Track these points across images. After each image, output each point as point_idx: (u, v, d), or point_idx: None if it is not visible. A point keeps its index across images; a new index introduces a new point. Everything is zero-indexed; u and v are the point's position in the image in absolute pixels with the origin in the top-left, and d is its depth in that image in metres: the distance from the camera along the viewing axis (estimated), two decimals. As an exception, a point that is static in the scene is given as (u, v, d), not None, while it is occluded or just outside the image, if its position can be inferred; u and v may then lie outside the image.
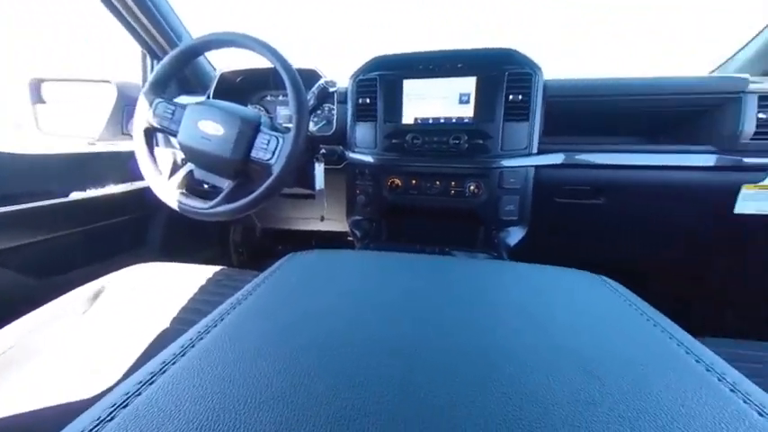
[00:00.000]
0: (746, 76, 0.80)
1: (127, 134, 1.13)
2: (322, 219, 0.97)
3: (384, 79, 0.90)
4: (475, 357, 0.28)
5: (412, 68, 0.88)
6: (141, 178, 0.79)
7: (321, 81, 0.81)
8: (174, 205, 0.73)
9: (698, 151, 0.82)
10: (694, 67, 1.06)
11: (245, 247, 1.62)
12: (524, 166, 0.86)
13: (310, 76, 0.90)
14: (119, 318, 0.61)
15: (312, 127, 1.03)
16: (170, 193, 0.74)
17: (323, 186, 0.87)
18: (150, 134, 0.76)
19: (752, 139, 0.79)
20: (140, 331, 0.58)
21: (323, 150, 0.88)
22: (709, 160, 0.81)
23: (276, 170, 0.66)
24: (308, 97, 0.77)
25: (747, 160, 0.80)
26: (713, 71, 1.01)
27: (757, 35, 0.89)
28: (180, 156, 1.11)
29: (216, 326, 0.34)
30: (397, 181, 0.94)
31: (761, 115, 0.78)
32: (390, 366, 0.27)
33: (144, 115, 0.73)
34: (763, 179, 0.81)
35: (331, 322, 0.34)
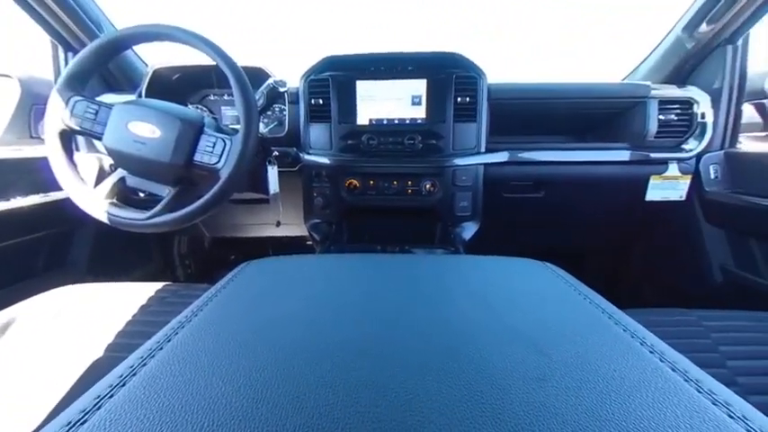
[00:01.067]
0: (649, 83, 0.94)
1: (37, 137, 0.97)
2: (278, 224, 0.92)
3: (336, 80, 0.89)
4: (438, 350, 0.30)
5: (364, 70, 0.89)
6: (58, 188, 0.68)
7: (270, 80, 0.78)
8: (102, 217, 0.64)
9: (615, 148, 0.95)
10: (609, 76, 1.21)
11: (193, 259, 1.49)
12: (474, 165, 0.92)
13: (258, 75, 0.85)
14: (36, 352, 0.52)
15: (263, 128, 0.98)
16: (97, 203, 0.64)
17: (278, 190, 0.84)
18: (67, 137, 0.66)
19: (655, 137, 0.93)
20: (66, 365, 0.50)
21: (276, 153, 0.84)
22: (624, 156, 0.94)
23: (225, 174, 0.61)
24: (257, 97, 0.73)
25: (653, 155, 0.94)
26: (624, 78, 1.16)
27: (654, 49, 1.05)
28: (108, 161, 0.98)
29: (162, 348, 0.30)
30: (355, 182, 0.94)
31: (661, 117, 0.92)
32: (358, 368, 0.27)
33: (58, 115, 0.63)
34: (665, 171, 0.96)
35: (292, 330, 0.33)
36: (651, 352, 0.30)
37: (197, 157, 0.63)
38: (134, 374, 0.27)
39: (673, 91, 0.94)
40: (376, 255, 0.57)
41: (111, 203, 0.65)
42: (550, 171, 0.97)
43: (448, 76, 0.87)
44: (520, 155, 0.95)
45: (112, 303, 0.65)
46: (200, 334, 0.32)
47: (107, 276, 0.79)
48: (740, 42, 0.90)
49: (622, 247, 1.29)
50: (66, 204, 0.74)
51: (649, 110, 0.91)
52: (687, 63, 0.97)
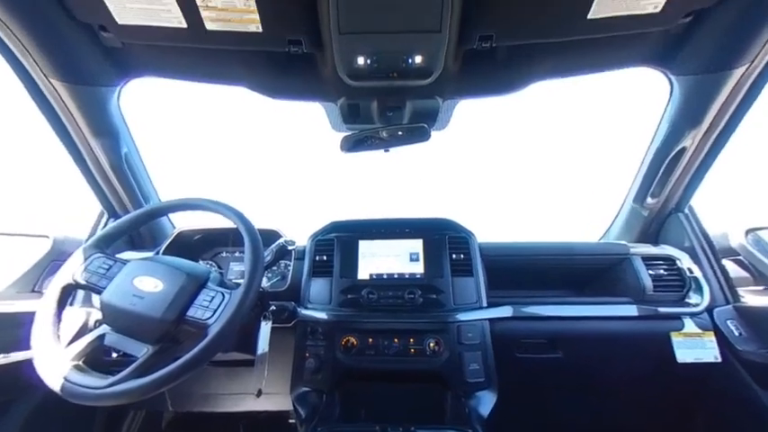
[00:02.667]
0: (625, 243, 1.03)
1: (37, 292, 0.97)
2: (259, 393, 0.78)
3: (341, 240, 0.98)
4: None
5: (366, 232, 0.99)
6: (24, 348, 0.61)
7: (281, 240, 0.86)
8: (55, 385, 0.55)
9: (619, 302, 0.93)
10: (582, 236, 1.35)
11: None
12: (479, 320, 0.87)
13: (271, 236, 0.94)
14: None
15: (265, 282, 0.99)
16: (58, 366, 0.57)
17: (266, 349, 0.75)
18: (68, 292, 0.65)
19: (654, 291, 0.93)
20: None
21: (273, 307, 0.82)
22: (631, 310, 0.91)
23: (214, 330, 0.57)
24: (266, 254, 0.78)
25: (662, 309, 0.91)
26: (600, 239, 1.28)
27: (617, 215, 1.21)
28: (95, 317, 0.94)
29: None
30: (353, 340, 0.86)
31: (650, 272, 0.95)
32: None
33: (71, 270, 0.65)
34: (683, 327, 0.90)
35: None
36: None
37: (190, 312, 0.60)
38: None
39: (649, 249, 1.02)
40: None
41: (75, 366, 0.57)
42: (561, 327, 0.91)
43: (442, 237, 0.96)
44: (524, 309, 0.91)
45: None
46: None
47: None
48: (687, 210, 1.05)
49: (679, 427, 1.03)
50: (20, 368, 0.65)
51: (636, 266, 0.96)
52: (650, 227, 1.10)
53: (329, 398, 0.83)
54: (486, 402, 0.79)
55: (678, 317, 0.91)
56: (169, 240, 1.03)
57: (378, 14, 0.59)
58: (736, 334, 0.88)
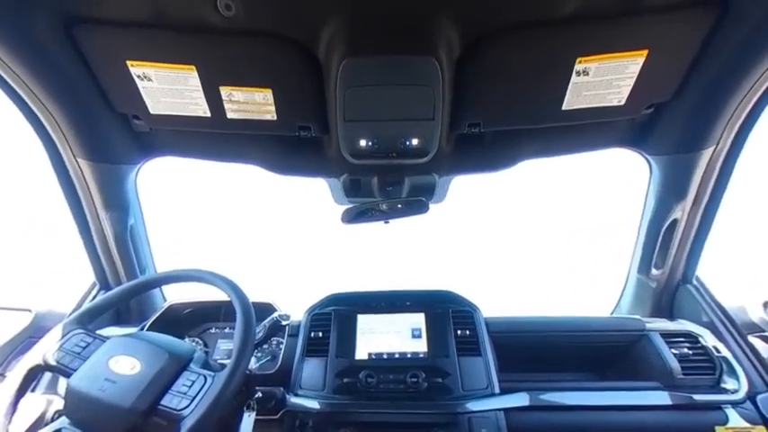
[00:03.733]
0: (639, 317, 0.97)
1: (1, 374, 0.87)
2: None
3: (338, 314, 0.93)
4: None
5: (365, 305, 0.95)
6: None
7: (275, 314, 0.81)
8: None
9: (647, 388, 0.83)
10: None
11: None
12: (493, 410, 0.76)
13: (265, 310, 0.90)
14: None
15: (253, 363, 0.90)
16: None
17: (247, 449, 0.64)
18: (34, 374, 0.59)
19: (684, 374, 0.83)
20: None
21: (259, 394, 0.73)
22: (662, 398, 0.80)
23: (188, 424, 0.49)
24: (258, 330, 0.73)
25: (697, 397, 0.80)
26: (612, 312, 1.22)
27: (625, 285, 1.16)
28: (55, 407, 0.83)
29: None
30: (348, 436, 0.74)
31: (674, 351, 0.87)
32: None
33: (42, 350, 0.60)
34: (727, 420, 0.79)
35: None
36: None
37: (164, 401, 0.53)
38: None
39: (667, 324, 0.95)
40: None
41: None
42: (586, 419, 0.79)
43: (444, 311, 0.92)
44: (542, 396, 0.81)
45: None
46: None
47: None
48: (696, 281, 1.02)
49: None
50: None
51: (657, 344, 0.88)
52: (662, 300, 1.05)
53: None
54: None
55: (718, 407, 0.80)
56: (157, 314, 0.98)
57: (378, 106, 0.68)
58: (792, 428, 0.76)
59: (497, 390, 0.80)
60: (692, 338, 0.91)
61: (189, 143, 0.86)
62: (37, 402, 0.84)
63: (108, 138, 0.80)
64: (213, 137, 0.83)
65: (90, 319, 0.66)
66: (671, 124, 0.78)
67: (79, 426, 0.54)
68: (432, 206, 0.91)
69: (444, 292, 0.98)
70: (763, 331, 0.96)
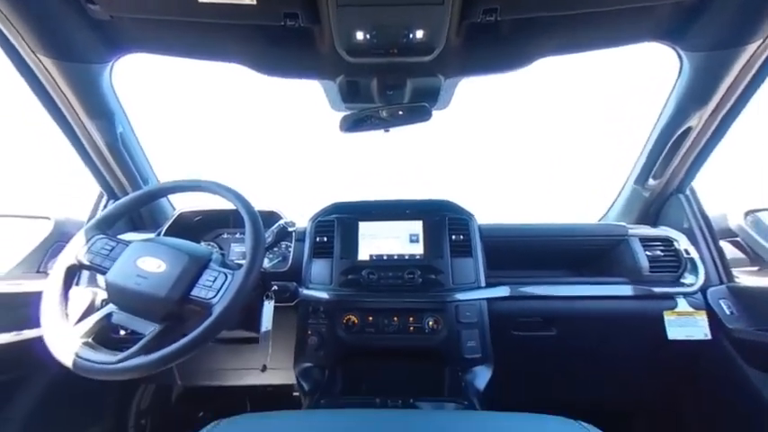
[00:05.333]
0: (624, 224, 1.04)
1: (43, 272, 0.98)
2: (264, 369, 0.81)
3: (341, 221, 0.98)
4: None
5: (366, 213, 0.99)
6: (35, 326, 0.64)
7: (281, 221, 0.86)
8: (67, 360, 0.57)
9: (615, 282, 0.94)
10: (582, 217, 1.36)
11: (152, 417, 1.22)
12: (477, 299, 0.89)
13: (271, 217, 0.95)
14: None
15: (266, 263, 1.01)
16: (69, 343, 0.59)
17: (270, 327, 0.78)
18: (73, 272, 0.67)
19: (650, 271, 0.94)
20: None
21: (275, 287, 0.84)
22: (626, 290, 0.93)
23: (218, 309, 0.59)
24: (267, 235, 0.79)
25: (656, 289, 0.93)
26: (599, 220, 1.29)
27: (618, 196, 1.21)
28: (101, 296, 0.96)
29: None
30: (353, 318, 0.88)
31: (648, 253, 0.96)
32: None
33: (74, 251, 0.66)
34: (676, 306, 0.93)
35: None
36: None
37: (194, 292, 0.61)
38: None
39: (648, 230, 1.02)
40: (373, 411, 0.47)
41: (85, 344, 0.59)
42: (557, 306, 0.94)
43: (441, 218, 0.97)
44: (521, 289, 0.93)
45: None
46: None
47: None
48: (688, 192, 1.05)
49: (664, 401, 1.08)
50: (32, 345, 0.67)
51: (634, 247, 0.97)
52: (650, 208, 1.10)
53: (331, 373, 0.86)
54: (482, 377, 0.82)
55: (672, 297, 0.93)
56: (170, 222, 1.04)
57: None
58: (728, 313, 0.90)
59: (483, 284, 0.91)
60: (667, 242, 0.99)
61: (159, 37, 0.76)
62: (84, 293, 0.97)
63: (64, 28, 0.69)
64: (186, 29, 0.72)
65: (108, 226, 0.71)
66: (720, 11, 0.67)
67: (125, 311, 0.64)
68: (434, 113, 0.86)
69: (442, 201, 1.01)
70: (737, 237, 1.03)
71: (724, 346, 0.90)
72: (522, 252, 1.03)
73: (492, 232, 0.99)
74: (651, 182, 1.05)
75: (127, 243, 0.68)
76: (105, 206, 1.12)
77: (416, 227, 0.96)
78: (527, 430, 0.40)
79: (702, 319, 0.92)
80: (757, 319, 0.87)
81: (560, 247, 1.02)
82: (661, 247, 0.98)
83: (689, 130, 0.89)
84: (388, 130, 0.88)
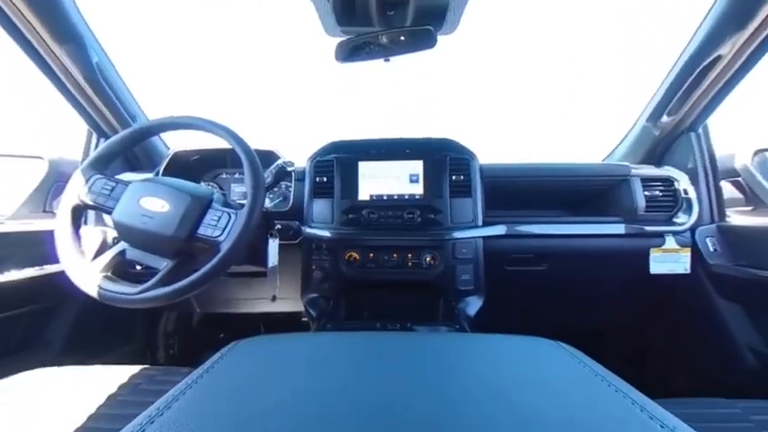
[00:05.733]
0: (628, 164, 1.02)
1: (49, 212, 1.00)
2: (274, 298, 0.89)
3: (340, 161, 0.97)
4: None
5: (366, 152, 0.97)
6: (55, 261, 0.67)
7: (279, 161, 0.85)
8: (92, 292, 0.62)
9: (609, 221, 0.97)
10: (588, 156, 1.34)
11: (178, 338, 1.38)
12: (473, 237, 0.93)
13: (268, 157, 0.93)
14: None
15: (268, 203, 1.02)
16: (90, 277, 0.63)
17: (276, 263, 0.83)
18: (79, 212, 0.68)
19: (646, 211, 0.96)
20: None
21: (278, 226, 0.86)
22: (619, 229, 0.96)
23: (226, 247, 0.61)
24: (266, 175, 0.78)
25: (648, 228, 0.96)
26: (604, 159, 1.27)
27: (626, 135, 1.17)
28: (112, 234, 1.00)
29: None
30: (355, 255, 0.93)
31: (646, 193, 0.97)
32: None
33: (75, 191, 0.67)
34: (663, 244, 0.97)
35: (280, 423, 0.28)
36: None
37: (200, 231, 0.64)
38: None
39: (651, 170, 1.01)
40: (375, 333, 0.53)
41: (105, 277, 0.64)
42: (550, 244, 0.98)
43: (442, 158, 0.95)
44: (517, 228, 0.96)
45: (78, 391, 0.58)
46: (174, 428, 0.28)
47: (82, 357, 0.72)
48: (701, 130, 1.01)
49: (639, 326, 1.21)
50: (58, 278, 0.72)
51: (634, 187, 0.97)
52: (658, 147, 1.07)
53: (335, 302, 0.94)
54: (473, 305, 0.90)
55: (661, 235, 0.97)
56: (166, 161, 1.02)
57: None
58: (711, 250, 0.95)
59: (480, 223, 0.94)
60: (668, 182, 0.99)
61: None
62: (95, 232, 1.00)
63: None
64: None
65: (104, 165, 0.70)
66: None
67: (137, 248, 0.67)
68: (440, 39, 0.78)
69: (443, 140, 0.98)
70: (739, 177, 1.03)
71: (701, 279, 0.97)
72: (521, 192, 1.04)
73: (493, 172, 0.99)
74: (665, 119, 1.00)
75: (126, 183, 0.68)
76: (97, 145, 1.09)
77: (417, 167, 0.95)
78: (508, 348, 0.45)
79: (686, 255, 0.97)
80: (737, 255, 0.91)
81: (560, 187, 1.03)
82: (661, 187, 0.99)
83: (718, 59, 0.82)
84: (388, 60, 0.81)
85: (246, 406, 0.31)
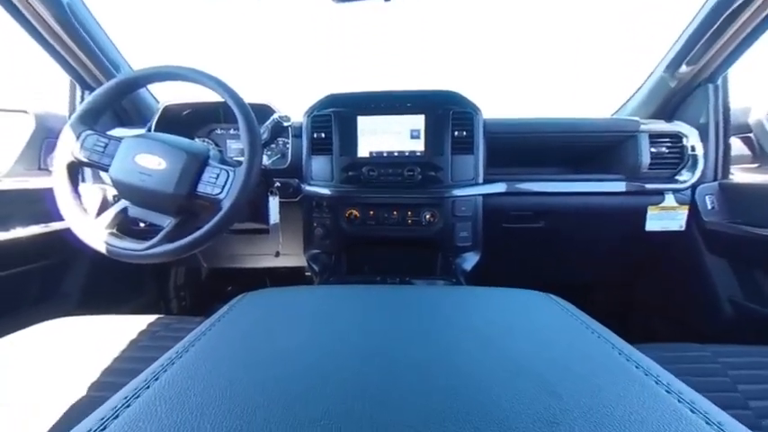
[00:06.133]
0: (637, 119, 0.98)
1: (45, 169, 0.99)
2: (277, 254, 0.92)
3: (338, 115, 0.93)
4: (440, 390, 0.28)
5: (365, 106, 0.93)
6: (59, 219, 0.68)
7: (275, 116, 0.81)
8: (101, 248, 0.64)
9: (611, 179, 0.97)
10: (598, 110, 1.28)
11: (188, 291, 1.46)
12: (473, 195, 0.93)
13: (263, 111, 0.89)
14: (16, 389, 0.49)
15: (266, 160, 1.00)
16: (96, 234, 0.65)
17: (278, 220, 0.84)
18: (75, 169, 0.67)
19: (649, 168, 0.95)
20: (45, 405, 0.47)
21: (277, 183, 0.86)
22: (619, 186, 0.96)
23: (227, 204, 0.62)
24: (262, 131, 0.76)
25: (649, 186, 0.96)
26: (613, 114, 1.22)
27: (640, 87, 1.11)
28: (111, 192, 1.00)
29: (148, 386, 0.29)
30: (355, 212, 0.94)
31: (653, 149, 0.95)
32: (356, 410, 0.26)
33: (69, 148, 0.65)
34: (662, 201, 0.97)
35: (288, 368, 0.31)
36: (668, 392, 0.28)
37: (200, 188, 0.64)
38: (116, 417, 0.25)
39: (661, 126, 0.98)
40: (375, 286, 0.56)
41: (111, 234, 0.65)
42: (549, 201, 0.99)
43: (445, 112, 0.91)
44: (517, 186, 0.96)
45: (100, 338, 0.62)
46: (189, 372, 0.31)
47: (98, 309, 0.77)
48: (720, 82, 0.96)
49: (628, 280, 1.26)
50: (65, 235, 0.74)
51: (641, 143, 0.95)
52: (672, 100, 1.03)
53: (337, 257, 0.98)
54: (470, 261, 0.94)
55: (661, 192, 0.97)
56: (157, 116, 0.98)
57: None
58: (708, 207, 0.96)
59: (481, 181, 0.93)
60: (676, 138, 0.96)
61: None
62: (94, 190, 1.00)
63: None
64: None
65: (93, 120, 0.68)
66: None
67: (138, 206, 0.68)
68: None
69: (447, 92, 0.93)
70: (750, 132, 1.00)
71: (694, 236, 1.00)
72: (522, 148, 1.01)
73: (496, 127, 0.96)
74: (683, 69, 0.95)
75: (119, 139, 0.66)
76: (82, 98, 1.05)
77: (418, 122, 0.92)
78: (500, 299, 0.48)
79: (683, 213, 0.98)
80: (734, 212, 0.93)
81: (565, 143, 1.00)
82: (668, 144, 0.96)
83: (747, 3, 0.75)
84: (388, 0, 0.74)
85: (257, 350, 0.34)
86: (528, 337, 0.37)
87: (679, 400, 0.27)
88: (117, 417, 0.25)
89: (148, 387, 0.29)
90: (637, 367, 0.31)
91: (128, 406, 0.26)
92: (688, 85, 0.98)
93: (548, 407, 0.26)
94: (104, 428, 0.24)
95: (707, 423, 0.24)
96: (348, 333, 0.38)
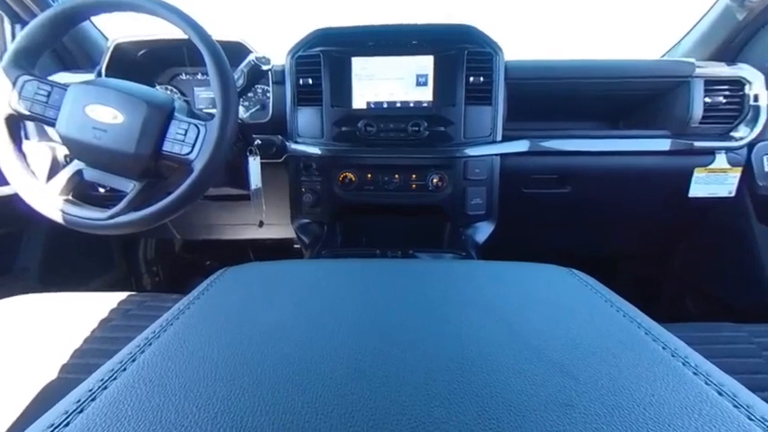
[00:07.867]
0: (693, 60, 0.94)
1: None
2: (261, 224, 0.92)
3: (328, 56, 0.88)
4: (447, 370, 0.29)
5: (361, 45, 0.88)
6: (4, 183, 0.68)
7: (251, 57, 0.77)
8: (56, 217, 0.64)
9: (654, 136, 0.94)
10: (645, 52, 1.22)
11: (162, 265, 1.49)
12: (489, 155, 0.91)
13: (237, 52, 0.85)
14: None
15: (243, 113, 0.97)
16: (50, 200, 0.64)
17: (260, 185, 0.83)
18: (15, 123, 0.65)
19: (701, 122, 0.92)
20: (13, 390, 0.50)
21: (258, 141, 0.84)
22: (664, 145, 0.93)
23: (199, 166, 0.61)
24: (236, 76, 0.73)
25: (697, 144, 0.94)
26: (664, 55, 1.16)
27: (699, 21, 1.05)
28: (62, 151, 0.98)
29: (125, 368, 0.30)
30: (350, 175, 0.93)
31: (707, 99, 0.91)
32: (354, 392, 0.27)
33: (5, 97, 0.63)
34: (712, 162, 0.96)
35: (277, 348, 0.33)
36: (695, 373, 0.29)
37: (166, 147, 0.62)
38: (93, 399, 0.27)
39: (721, 69, 0.94)
40: (374, 260, 0.57)
41: (67, 201, 0.65)
42: (578, 163, 0.97)
43: (459, 53, 0.87)
44: (542, 144, 0.94)
45: (68, 316, 0.65)
46: (169, 352, 0.32)
47: (62, 286, 0.79)
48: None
49: (661, 253, 1.28)
50: (14, 201, 0.74)
51: (693, 92, 0.91)
52: (737, 37, 0.97)
53: (330, 228, 0.98)
54: (483, 231, 0.94)
55: (712, 152, 0.95)
56: (107, 57, 0.94)
57: None
58: (766, 170, 0.94)
59: (499, 138, 0.91)
60: (738, 85, 0.92)
61: None
62: (41, 148, 0.98)
63: None
64: None
65: (29, 63, 0.64)
66: None
67: (95, 167, 0.67)
68: None
69: (461, 26, 0.88)
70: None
71: (744, 202, 0.99)
72: (551, 99, 0.97)
73: (520, 72, 0.91)
74: None
75: (64, 87, 0.63)
76: (14, 35, 0.99)
77: (426, 64, 0.88)
78: (517, 274, 0.49)
79: (735, 176, 0.97)
80: (796, 176, 0.92)
81: (602, 91, 0.96)
82: (726, 92, 0.92)
83: None
84: None
85: (243, 329, 0.36)
86: (545, 314, 0.39)
87: (706, 383, 0.28)
88: (94, 399, 0.27)
89: (125, 369, 0.30)
90: (663, 348, 0.33)
91: (105, 388, 0.28)
92: (759, 18, 0.92)
93: (562, 388, 0.27)
94: (81, 411, 0.26)
95: (734, 406, 0.26)
96: (343, 309, 0.39)
